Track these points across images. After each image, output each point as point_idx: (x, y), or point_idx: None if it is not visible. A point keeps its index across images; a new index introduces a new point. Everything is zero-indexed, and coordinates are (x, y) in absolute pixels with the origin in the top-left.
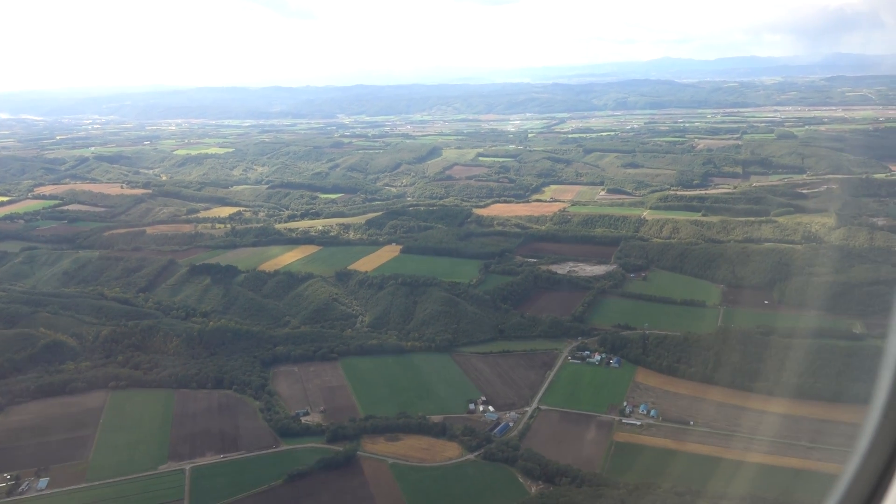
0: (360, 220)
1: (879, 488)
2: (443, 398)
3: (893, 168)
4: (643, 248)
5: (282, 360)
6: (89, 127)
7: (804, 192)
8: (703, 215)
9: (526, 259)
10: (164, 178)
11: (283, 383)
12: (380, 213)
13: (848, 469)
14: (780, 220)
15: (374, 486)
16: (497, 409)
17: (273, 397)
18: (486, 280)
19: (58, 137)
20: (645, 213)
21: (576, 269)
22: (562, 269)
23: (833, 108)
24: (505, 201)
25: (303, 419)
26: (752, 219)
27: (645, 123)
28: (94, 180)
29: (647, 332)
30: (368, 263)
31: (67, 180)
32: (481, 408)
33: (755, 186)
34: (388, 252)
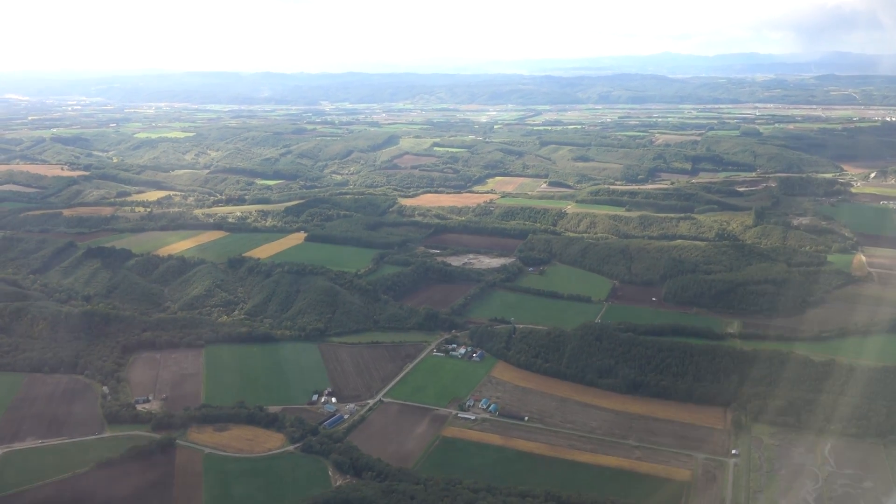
0: (280, 207)
1: None
2: (291, 388)
3: (846, 168)
4: (548, 241)
5: (147, 346)
6: (69, 108)
7: (741, 189)
8: (627, 210)
9: (429, 250)
10: (115, 160)
11: (139, 370)
12: (302, 200)
13: None
14: (701, 217)
15: (179, 476)
16: (341, 400)
17: (121, 384)
18: (376, 270)
19: (30, 118)
20: (568, 207)
21: (473, 261)
22: (458, 260)
23: (813, 106)
24: (438, 192)
25: (140, 406)
26: (673, 215)
27: (619, 118)
28: (44, 161)
29: (514, 325)
30: (267, 251)
31: (18, 161)
32: (323, 399)
33: (692, 183)
34: (292, 240)
